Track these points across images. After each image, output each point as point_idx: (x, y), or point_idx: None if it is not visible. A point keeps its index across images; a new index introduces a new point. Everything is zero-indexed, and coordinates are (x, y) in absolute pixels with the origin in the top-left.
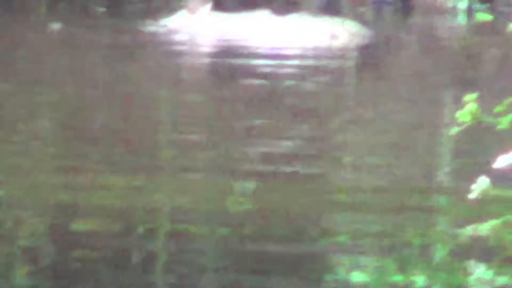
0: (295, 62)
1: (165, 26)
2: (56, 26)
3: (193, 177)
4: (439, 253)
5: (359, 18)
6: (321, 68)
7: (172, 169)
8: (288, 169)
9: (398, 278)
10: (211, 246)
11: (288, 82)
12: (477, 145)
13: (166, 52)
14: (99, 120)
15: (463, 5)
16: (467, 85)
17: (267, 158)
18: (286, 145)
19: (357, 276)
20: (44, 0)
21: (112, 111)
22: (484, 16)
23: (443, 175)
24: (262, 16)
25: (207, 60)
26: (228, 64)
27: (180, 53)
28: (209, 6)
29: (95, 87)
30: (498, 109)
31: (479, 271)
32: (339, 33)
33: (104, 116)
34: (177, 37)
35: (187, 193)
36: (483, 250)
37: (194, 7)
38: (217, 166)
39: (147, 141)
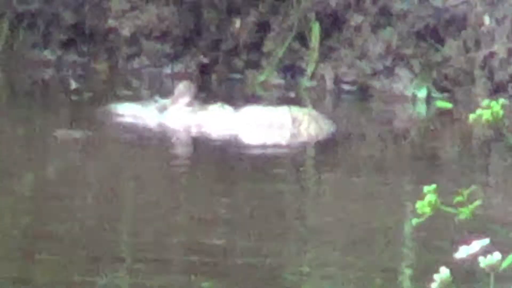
0: (259, 151)
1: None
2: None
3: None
4: None
5: (318, 107)
6: (284, 157)
7: None
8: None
9: None
10: None
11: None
12: (438, 235)
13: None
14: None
15: (422, 93)
16: (427, 174)
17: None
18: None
19: None
20: None
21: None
22: (443, 105)
23: (404, 266)
24: (221, 109)
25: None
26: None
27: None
28: (189, 98)
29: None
30: (457, 199)
31: None
32: (300, 120)
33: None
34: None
35: None
36: None
37: (179, 97)
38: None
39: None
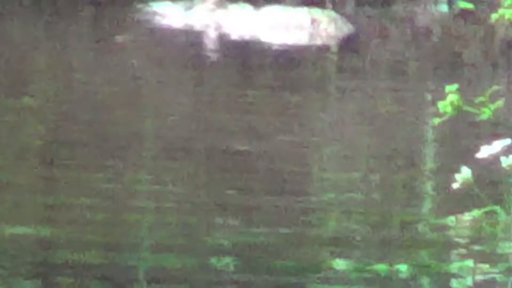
0: (278, 50)
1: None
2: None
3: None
4: (422, 243)
5: (340, 8)
6: (302, 57)
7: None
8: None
9: (381, 266)
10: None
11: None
12: (460, 136)
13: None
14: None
15: None
16: (449, 75)
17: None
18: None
19: (340, 264)
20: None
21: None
22: (465, 5)
23: (426, 164)
24: (242, 9)
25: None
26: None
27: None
28: None
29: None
30: (479, 99)
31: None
32: (319, 21)
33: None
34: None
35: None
36: (466, 240)
37: None
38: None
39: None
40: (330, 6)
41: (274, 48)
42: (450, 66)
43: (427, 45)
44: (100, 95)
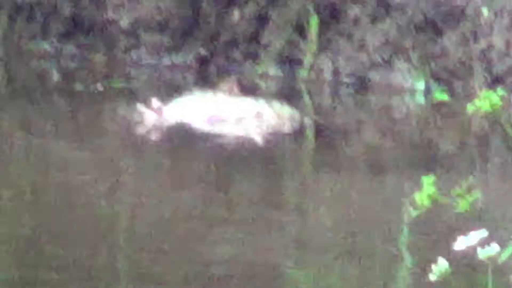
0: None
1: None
2: None
3: None
4: None
5: (317, 98)
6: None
7: None
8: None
9: None
10: None
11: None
12: (437, 227)
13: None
14: None
15: (420, 85)
16: (425, 166)
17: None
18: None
19: None
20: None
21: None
22: (441, 97)
23: (402, 256)
24: (212, 98)
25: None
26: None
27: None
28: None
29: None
30: (456, 191)
31: None
32: (263, 114)
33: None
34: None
35: None
36: None
37: (232, 87)
38: None
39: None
40: (307, 97)
41: (217, 139)
42: (426, 158)
43: (403, 136)
44: (86, 193)
